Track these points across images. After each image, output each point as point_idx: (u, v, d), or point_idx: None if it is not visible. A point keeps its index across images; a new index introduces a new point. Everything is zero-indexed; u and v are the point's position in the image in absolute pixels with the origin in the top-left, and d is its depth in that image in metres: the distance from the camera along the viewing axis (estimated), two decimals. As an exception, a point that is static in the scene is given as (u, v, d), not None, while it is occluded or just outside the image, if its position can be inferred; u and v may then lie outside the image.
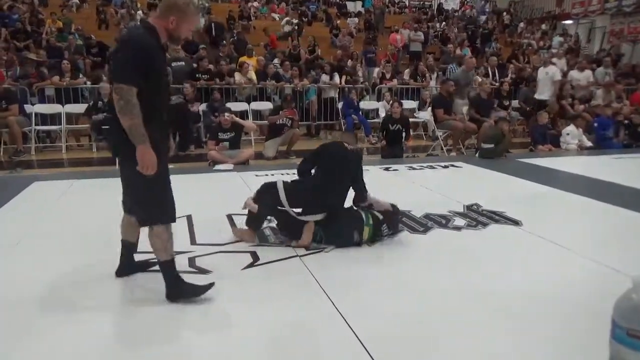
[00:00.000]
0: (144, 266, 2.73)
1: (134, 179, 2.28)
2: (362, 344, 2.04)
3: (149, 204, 2.34)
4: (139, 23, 2.72)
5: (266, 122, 7.77)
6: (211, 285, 2.43)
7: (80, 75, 8.72)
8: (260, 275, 2.75)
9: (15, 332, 2.12)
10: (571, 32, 16.33)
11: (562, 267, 2.91)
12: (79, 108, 7.90)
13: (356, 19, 16.16)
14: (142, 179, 2.24)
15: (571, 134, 7.78)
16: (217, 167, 5.84)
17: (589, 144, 7.85)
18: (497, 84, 9.86)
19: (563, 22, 17.70)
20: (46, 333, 2.12)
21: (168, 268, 2.39)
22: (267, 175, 5.41)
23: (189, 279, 2.55)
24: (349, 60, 10.82)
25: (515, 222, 3.70)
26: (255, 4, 15.88)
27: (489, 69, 10.45)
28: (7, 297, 2.45)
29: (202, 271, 2.76)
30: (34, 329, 2.15)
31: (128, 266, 2.68)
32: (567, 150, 7.67)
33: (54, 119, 7.89)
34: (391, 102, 7.98)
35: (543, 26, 16.93)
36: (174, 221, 2.41)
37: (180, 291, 2.39)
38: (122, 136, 2.22)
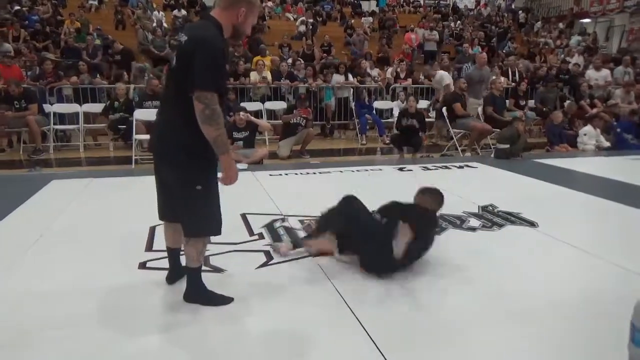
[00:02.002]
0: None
1: (180, 189, 2.19)
2: (375, 344, 2.04)
3: (194, 216, 2.22)
4: (202, 19, 2.43)
5: (280, 121, 7.79)
6: (230, 300, 2.39)
7: (98, 76, 8.86)
8: (273, 275, 2.76)
9: (35, 327, 2.16)
10: (589, 31, 16.08)
11: (579, 270, 2.87)
12: (97, 108, 8.01)
13: (370, 19, 16.12)
14: (190, 190, 2.15)
15: (588, 134, 7.66)
16: (232, 166, 5.87)
17: (607, 144, 7.72)
18: (513, 83, 9.76)
19: (581, 20, 17.44)
20: (63, 327, 2.16)
21: (195, 274, 2.36)
22: (281, 174, 5.43)
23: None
24: (363, 60, 10.80)
25: (531, 224, 3.66)
26: (270, 4, 15.93)
27: (509, 69, 10.32)
28: (27, 292, 2.49)
29: (216, 270, 2.78)
30: (51, 324, 2.19)
31: (178, 272, 2.58)
32: (584, 150, 7.56)
33: (71, 118, 8.01)
34: (407, 97, 7.97)
35: (560, 25, 16.71)
36: (218, 234, 2.32)
37: (199, 296, 2.37)
38: (176, 144, 2.13)
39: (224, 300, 2.39)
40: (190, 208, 2.21)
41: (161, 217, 2.45)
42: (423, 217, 2.80)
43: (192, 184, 2.16)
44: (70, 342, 2.05)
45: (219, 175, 2.19)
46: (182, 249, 2.39)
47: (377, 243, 2.67)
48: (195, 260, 2.31)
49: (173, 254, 2.56)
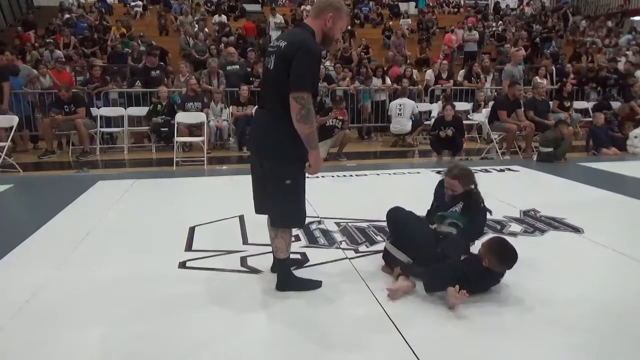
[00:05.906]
0: (297, 263, 2.87)
1: (275, 184, 2.35)
2: (410, 347, 2.02)
3: (281, 208, 2.40)
4: (296, 27, 2.60)
5: (317, 123, 7.82)
6: (318, 284, 2.57)
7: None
8: (309, 276, 2.76)
9: (83, 323, 2.25)
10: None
11: (627, 279, 2.75)
12: (141, 111, 8.28)
13: (409, 20, 15.95)
14: (280, 184, 2.32)
15: (639, 137, 7.33)
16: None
17: (659, 147, 7.36)
18: (554, 86, 9.46)
19: (631, 18, 16.67)
20: (113, 311, 2.25)
21: (285, 265, 2.56)
22: (317, 176, 5.43)
23: (240, 278, 2.61)
24: (397, 64, 10.68)
25: (576, 230, 3.53)
26: (308, 7, 16.02)
27: (546, 71, 10.01)
28: (79, 282, 2.61)
29: (254, 271, 2.82)
30: (101, 319, 2.28)
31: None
32: (634, 154, 7.23)
33: (117, 121, 8.31)
34: (443, 105, 7.82)
35: (609, 23, 16.03)
36: (301, 227, 2.51)
37: (292, 284, 2.54)
38: (273, 141, 2.30)
39: (314, 284, 2.57)
40: (278, 201, 2.38)
41: (257, 212, 2.59)
42: (482, 278, 2.51)
43: (282, 178, 2.33)
44: (109, 338, 2.14)
45: (306, 167, 2.36)
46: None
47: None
48: (284, 252, 2.50)
49: None
